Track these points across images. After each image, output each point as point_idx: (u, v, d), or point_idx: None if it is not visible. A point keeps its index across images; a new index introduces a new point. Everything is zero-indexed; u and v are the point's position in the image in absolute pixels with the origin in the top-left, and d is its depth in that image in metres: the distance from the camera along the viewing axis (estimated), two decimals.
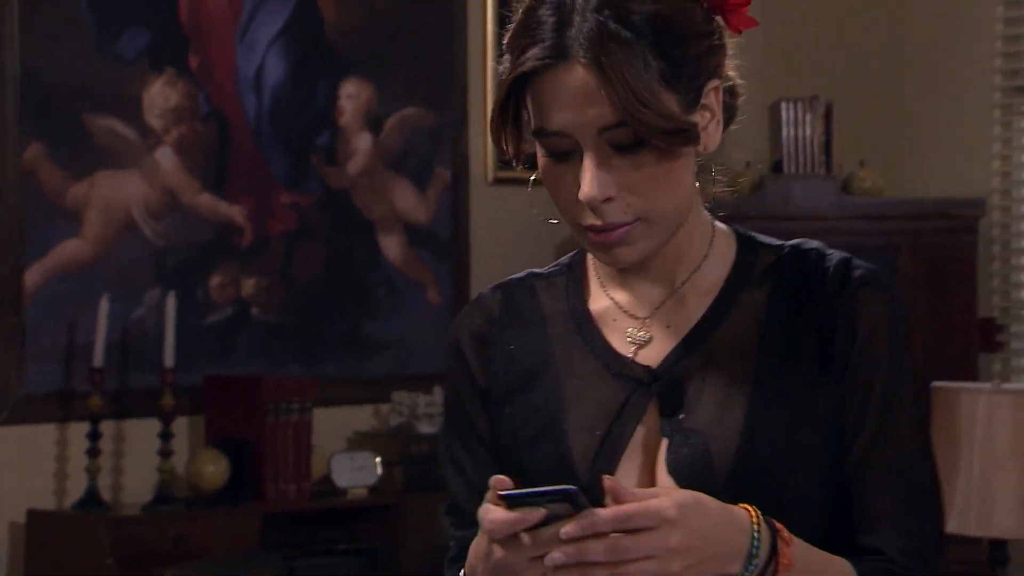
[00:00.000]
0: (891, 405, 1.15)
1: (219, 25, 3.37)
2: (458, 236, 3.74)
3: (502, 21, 1.24)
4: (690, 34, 1.12)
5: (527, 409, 1.20)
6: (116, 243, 3.21)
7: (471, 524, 1.14)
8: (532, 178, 1.21)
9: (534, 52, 1.11)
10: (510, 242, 3.64)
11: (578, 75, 1.10)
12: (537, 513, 1.01)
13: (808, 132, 3.80)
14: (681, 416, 1.15)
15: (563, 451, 1.17)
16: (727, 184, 1.22)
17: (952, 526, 2.66)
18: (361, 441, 3.51)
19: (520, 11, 1.15)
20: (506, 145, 1.15)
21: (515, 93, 1.13)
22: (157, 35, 3.27)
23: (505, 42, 1.16)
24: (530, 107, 1.13)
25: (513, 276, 1.27)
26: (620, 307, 1.21)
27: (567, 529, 1.00)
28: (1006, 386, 2.73)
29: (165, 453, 3.10)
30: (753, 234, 1.24)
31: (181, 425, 3.24)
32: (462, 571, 1.15)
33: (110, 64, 3.21)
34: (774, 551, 1.06)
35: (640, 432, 1.16)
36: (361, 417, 3.57)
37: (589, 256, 1.24)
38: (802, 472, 1.14)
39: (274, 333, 3.43)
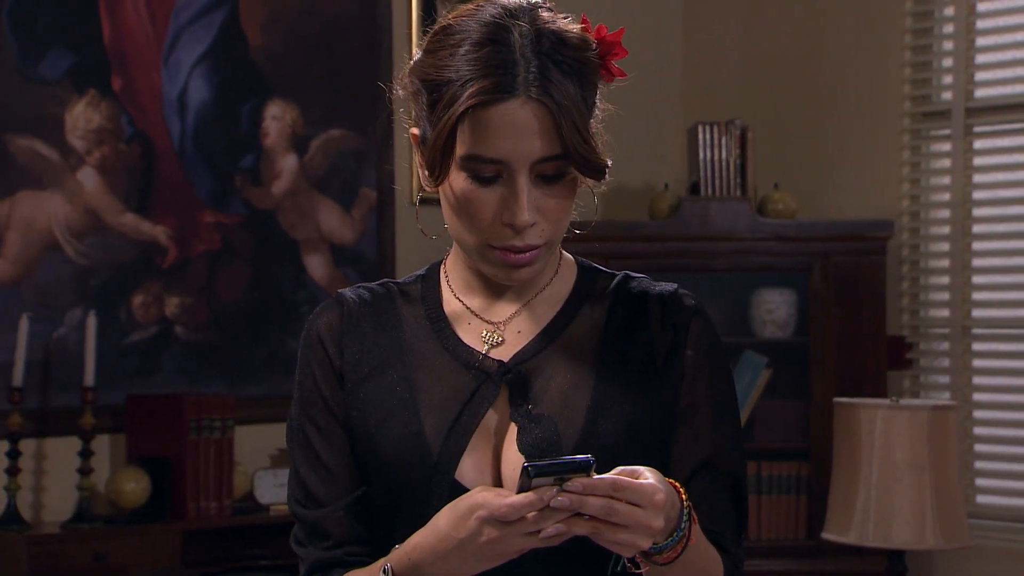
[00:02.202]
0: (714, 413, 1.31)
1: (143, 48, 3.40)
2: (384, 256, 3.79)
3: None
4: (596, 81, 1.26)
5: (380, 392, 1.30)
6: (38, 263, 3.23)
7: (319, 505, 1.29)
8: (419, 198, 1.35)
9: (483, 85, 1.20)
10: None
11: (527, 110, 1.20)
12: (551, 492, 1.12)
13: (724, 155, 3.89)
14: (530, 406, 1.26)
15: (416, 429, 1.27)
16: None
17: (852, 537, 2.75)
18: (284, 458, 3.55)
19: (441, 45, 1.24)
20: (440, 169, 1.24)
21: (459, 122, 1.21)
22: (80, 57, 3.30)
23: (426, 69, 1.24)
24: (466, 134, 1.21)
25: (370, 283, 1.37)
26: (474, 312, 1.32)
27: (572, 484, 1.12)
28: (903, 402, 2.82)
29: (85, 471, 3.12)
30: (591, 262, 1.38)
31: (102, 444, 3.26)
32: (387, 566, 1.22)
33: (32, 85, 3.23)
34: (688, 527, 1.19)
35: (490, 417, 1.27)
36: (284, 435, 3.60)
37: (444, 267, 1.36)
38: (641, 457, 1.23)
39: (198, 352, 3.46)
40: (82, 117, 3.30)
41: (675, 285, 1.34)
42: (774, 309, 3.84)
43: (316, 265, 3.68)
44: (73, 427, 3.15)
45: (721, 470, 1.30)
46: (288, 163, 3.64)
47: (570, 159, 1.22)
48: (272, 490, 3.38)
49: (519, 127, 1.20)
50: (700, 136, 3.89)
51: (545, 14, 1.25)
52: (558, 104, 1.20)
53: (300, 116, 3.65)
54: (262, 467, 3.46)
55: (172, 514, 3.18)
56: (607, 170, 1.24)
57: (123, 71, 3.37)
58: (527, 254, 1.24)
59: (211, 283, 3.50)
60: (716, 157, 3.89)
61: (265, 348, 3.57)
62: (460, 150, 1.22)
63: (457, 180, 1.24)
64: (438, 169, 1.24)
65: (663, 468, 1.25)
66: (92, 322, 3.17)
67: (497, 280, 1.28)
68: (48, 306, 3.23)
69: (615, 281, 1.34)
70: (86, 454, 3.13)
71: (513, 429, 1.26)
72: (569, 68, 1.22)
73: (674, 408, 1.29)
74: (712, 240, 3.80)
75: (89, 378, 3.14)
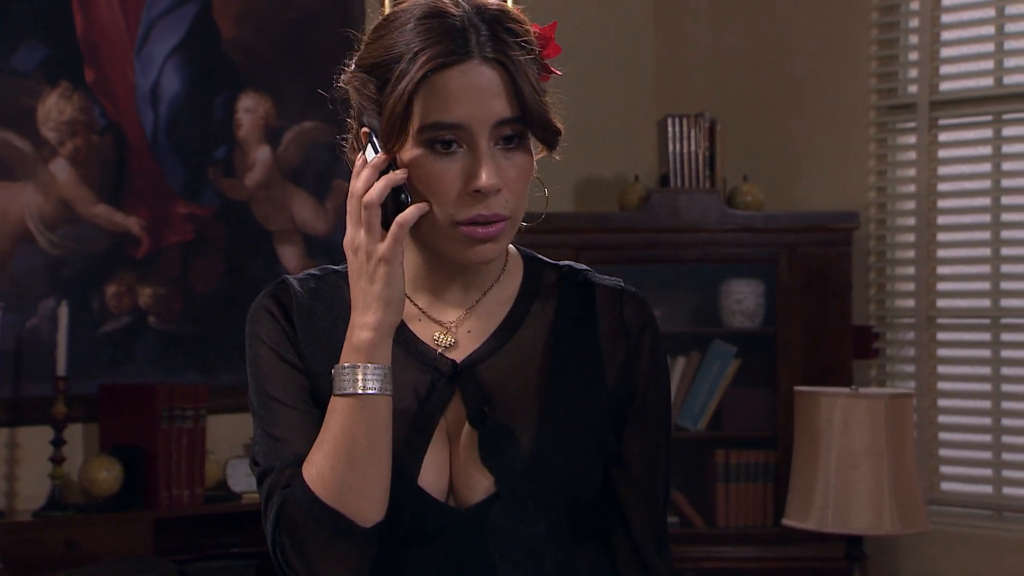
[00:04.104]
0: (654, 414, 1.31)
1: (115, 40, 3.43)
2: None
3: None
4: (538, 58, 1.24)
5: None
6: (10, 254, 3.25)
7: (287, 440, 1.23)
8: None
9: (437, 50, 1.19)
10: None
11: (483, 71, 1.19)
12: None
13: (694, 147, 3.93)
14: (486, 408, 1.25)
15: None
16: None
17: (812, 523, 2.80)
18: None
19: (384, 32, 1.24)
20: (397, 142, 1.21)
21: (416, 92, 1.19)
22: (53, 49, 3.32)
23: (373, 55, 1.23)
24: (422, 104, 1.19)
25: (312, 271, 1.33)
26: (425, 312, 1.30)
27: None
28: (862, 390, 2.87)
29: (57, 460, 3.15)
30: (534, 253, 1.36)
31: (76, 433, 3.29)
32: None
33: (5, 77, 3.25)
34: None
35: (448, 419, 1.27)
36: None
37: None
38: (593, 462, 1.26)
39: (171, 342, 3.49)
40: (55, 109, 3.32)
41: (620, 283, 1.33)
42: (742, 299, 3.89)
43: (290, 256, 3.71)
44: (46, 416, 3.17)
45: (655, 485, 1.30)
46: (261, 155, 3.67)
47: (528, 121, 1.21)
48: (244, 479, 3.41)
49: (477, 89, 1.19)
50: (670, 128, 3.93)
51: None
52: (514, 62, 1.19)
53: (273, 108, 3.67)
54: (234, 456, 3.49)
55: (144, 502, 3.21)
56: (559, 137, 1.23)
57: (96, 63, 3.39)
58: (493, 227, 1.21)
59: (184, 274, 3.53)
60: (686, 149, 3.93)
61: (238, 338, 3.58)
62: (417, 122, 1.20)
63: (418, 154, 1.21)
64: (392, 142, 1.21)
65: (605, 472, 1.27)
66: (64, 312, 3.19)
67: (465, 261, 1.24)
68: (21, 296, 3.25)
69: (561, 275, 1.33)
70: (59, 443, 3.16)
71: (468, 432, 1.25)
72: (515, 35, 1.22)
73: (623, 411, 1.29)
74: (681, 231, 3.85)
75: (61, 368, 3.16)
